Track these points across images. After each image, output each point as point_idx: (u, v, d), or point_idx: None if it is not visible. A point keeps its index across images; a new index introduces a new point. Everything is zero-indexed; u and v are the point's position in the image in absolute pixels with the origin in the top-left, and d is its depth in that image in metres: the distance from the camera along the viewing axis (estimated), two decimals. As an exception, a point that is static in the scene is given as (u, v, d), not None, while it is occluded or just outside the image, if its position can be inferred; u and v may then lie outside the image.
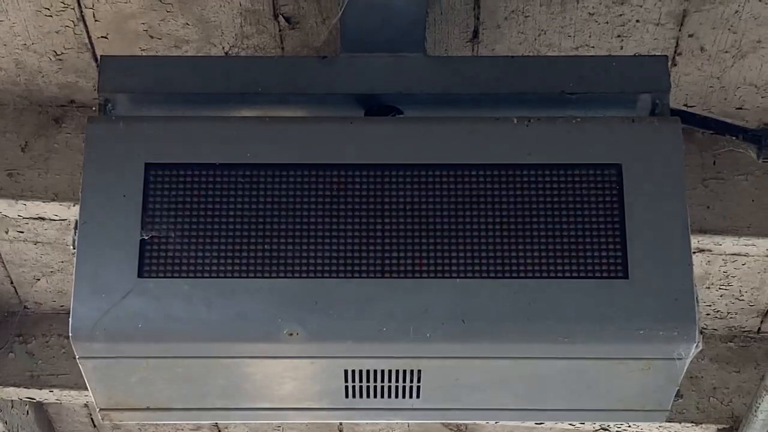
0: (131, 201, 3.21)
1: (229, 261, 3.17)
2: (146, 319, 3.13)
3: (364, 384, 3.28)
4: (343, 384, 3.28)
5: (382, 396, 3.32)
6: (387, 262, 3.16)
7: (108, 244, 3.18)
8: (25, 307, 5.59)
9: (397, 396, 3.31)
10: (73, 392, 5.56)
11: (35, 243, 5.10)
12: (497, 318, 3.11)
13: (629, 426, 5.62)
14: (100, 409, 3.37)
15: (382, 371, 3.24)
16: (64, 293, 5.44)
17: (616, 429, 5.72)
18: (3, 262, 5.26)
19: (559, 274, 3.14)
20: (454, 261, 3.15)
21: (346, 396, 3.32)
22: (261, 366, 3.25)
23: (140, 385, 3.28)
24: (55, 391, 5.57)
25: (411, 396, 3.32)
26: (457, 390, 3.33)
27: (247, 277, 3.15)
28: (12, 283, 5.40)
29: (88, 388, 3.31)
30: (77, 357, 3.18)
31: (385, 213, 3.21)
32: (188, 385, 3.30)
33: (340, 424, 6.45)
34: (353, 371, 3.24)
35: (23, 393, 5.63)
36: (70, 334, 3.13)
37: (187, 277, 3.16)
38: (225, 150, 3.26)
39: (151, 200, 3.21)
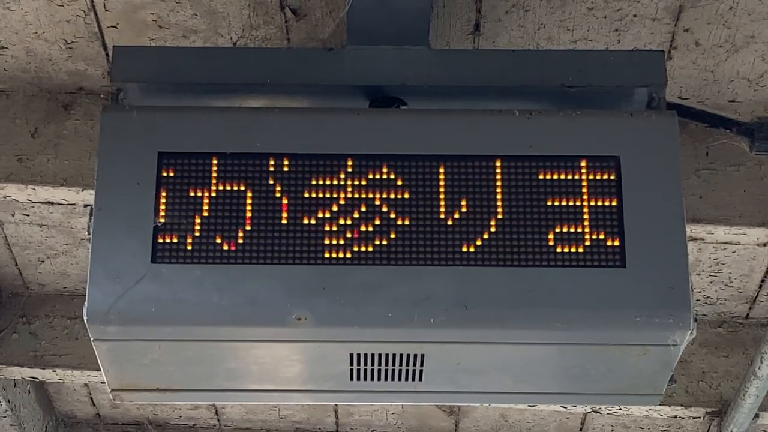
0: (145, 188, 3.30)
1: (240, 248, 3.26)
2: (159, 303, 3.23)
3: (369, 367, 3.38)
4: (349, 367, 3.38)
5: (386, 379, 3.42)
6: (393, 249, 3.26)
7: (122, 231, 3.27)
8: (29, 288, 5.67)
9: (400, 379, 3.42)
10: (75, 372, 5.65)
11: (40, 226, 5.18)
12: (499, 304, 3.22)
13: (620, 409, 5.73)
14: (112, 390, 3.46)
15: (387, 355, 3.34)
16: (68, 275, 5.53)
17: (608, 412, 5.83)
18: (8, 245, 5.34)
19: (559, 263, 3.25)
20: (457, 249, 3.25)
21: (351, 379, 3.43)
22: (269, 349, 3.35)
23: (152, 366, 3.38)
24: (58, 370, 5.66)
25: (414, 379, 3.42)
26: (458, 374, 3.44)
27: (257, 263, 3.25)
28: (17, 264, 5.48)
29: (101, 369, 3.40)
30: (92, 339, 3.28)
31: (390, 202, 3.31)
32: (198, 367, 3.40)
33: (336, 405, 6.54)
34: (359, 355, 3.34)
35: (26, 372, 5.71)
36: (85, 318, 3.23)
37: (199, 263, 3.25)
38: (236, 139, 3.36)
39: (164, 188, 3.30)
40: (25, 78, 4.37)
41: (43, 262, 5.45)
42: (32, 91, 4.43)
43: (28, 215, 5.10)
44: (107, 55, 4.19)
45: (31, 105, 4.42)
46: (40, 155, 4.38)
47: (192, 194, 3.30)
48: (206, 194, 3.31)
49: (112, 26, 4.10)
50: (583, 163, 3.33)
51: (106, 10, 4.04)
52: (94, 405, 6.67)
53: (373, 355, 3.34)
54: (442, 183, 3.32)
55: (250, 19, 4.03)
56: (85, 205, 4.44)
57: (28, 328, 5.66)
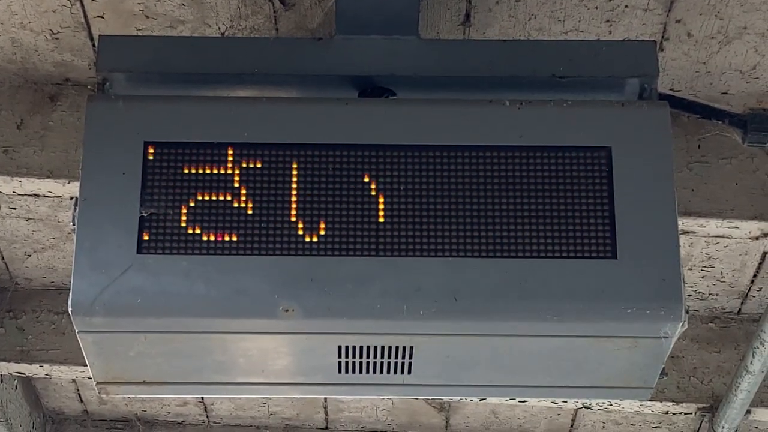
0: (131, 178, 3.27)
1: (227, 239, 3.23)
2: (145, 294, 3.19)
3: (358, 360, 3.34)
4: (337, 360, 3.34)
5: (375, 372, 3.38)
6: (381, 240, 3.23)
7: (108, 221, 3.23)
8: (16, 282, 5.64)
9: (389, 372, 3.38)
10: (62, 367, 5.62)
11: (27, 219, 5.15)
12: (489, 296, 3.18)
13: (611, 404, 5.71)
14: (97, 383, 3.43)
15: (376, 347, 3.31)
16: (55, 269, 5.50)
17: (599, 407, 5.81)
18: (-6, 238, 5.32)
19: (550, 254, 3.21)
20: (447, 240, 3.22)
21: (339, 371, 3.39)
22: (257, 341, 3.31)
23: (138, 359, 3.34)
24: (45, 366, 5.63)
25: (403, 372, 3.39)
26: (448, 367, 3.40)
27: (245, 254, 3.21)
28: (3, 259, 5.45)
29: (87, 362, 3.36)
30: (77, 331, 3.24)
31: (379, 192, 3.28)
32: (185, 359, 3.36)
33: (325, 399, 6.52)
34: (347, 347, 3.30)
35: (13, 368, 5.69)
36: (70, 309, 3.19)
37: (186, 254, 3.21)
38: (223, 129, 3.32)
39: (150, 178, 3.27)
40: (10, 69, 4.33)
41: (29, 256, 5.41)
42: (18, 82, 4.39)
43: (14, 209, 5.07)
44: (94, 45, 4.16)
45: (17, 96, 4.39)
46: (26, 147, 4.34)
47: (178, 184, 3.27)
48: (193, 184, 3.27)
49: (98, 16, 4.06)
50: (574, 154, 3.30)
51: (93, 0, 4.00)
52: (81, 401, 6.64)
53: (361, 347, 3.31)
54: (431, 173, 3.29)
55: (239, 9, 4.00)
56: (72, 198, 4.41)
57: (14, 323, 5.63)
